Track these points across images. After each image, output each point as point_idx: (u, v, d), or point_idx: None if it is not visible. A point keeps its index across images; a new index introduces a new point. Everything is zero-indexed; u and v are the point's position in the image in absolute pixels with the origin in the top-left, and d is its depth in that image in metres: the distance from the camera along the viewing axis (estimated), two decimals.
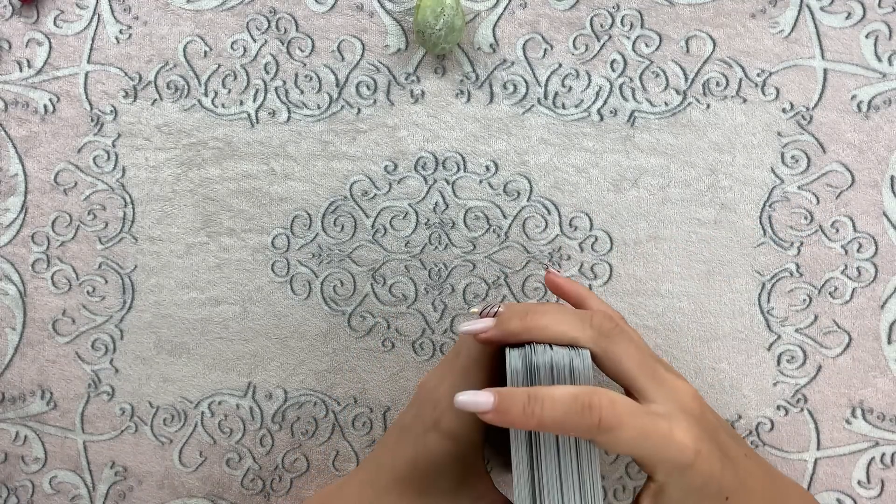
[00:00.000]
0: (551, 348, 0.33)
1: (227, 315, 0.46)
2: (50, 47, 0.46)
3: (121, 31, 0.46)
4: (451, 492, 0.36)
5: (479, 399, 0.30)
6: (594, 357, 0.33)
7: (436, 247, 0.46)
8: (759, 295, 0.45)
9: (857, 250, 0.45)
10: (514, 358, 0.32)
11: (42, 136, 0.46)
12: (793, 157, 0.45)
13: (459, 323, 0.35)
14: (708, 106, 0.45)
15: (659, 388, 0.32)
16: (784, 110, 0.45)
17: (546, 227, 0.45)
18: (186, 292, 0.46)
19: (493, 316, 0.35)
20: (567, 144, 0.45)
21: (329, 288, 0.46)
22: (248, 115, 0.46)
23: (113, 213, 0.46)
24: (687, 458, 0.30)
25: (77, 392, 0.47)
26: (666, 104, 0.45)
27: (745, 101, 0.45)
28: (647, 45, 0.45)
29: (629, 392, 0.33)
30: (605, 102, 0.45)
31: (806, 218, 0.45)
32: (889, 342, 0.45)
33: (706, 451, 0.31)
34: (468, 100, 0.46)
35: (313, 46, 0.46)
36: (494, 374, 0.36)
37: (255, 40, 0.46)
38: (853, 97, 0.45)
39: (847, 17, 0.44)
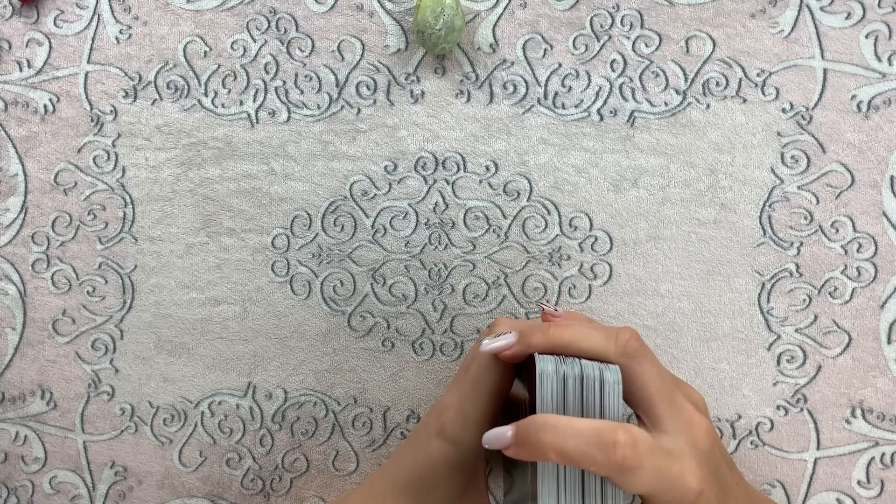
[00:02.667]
0: (580, 360, 0.33)
1: (227, 315, 0.46)
2: (50, 47, 0.46)
3: (121, 31, 0.46)
4: (447, 502, 0.36)
5: (502, 431, 0.31)
6: None
7: (436, 247, 0.46)
8: (759, 295, 0.45)
9: (857, 250, 0.45)
10: (544, 361, 0.32)
11: (42, 136, 0.46)
12: (793, 157, 0.45)
13: (481, 343, 0.35)
14: (708, 106, 0.45)
15: (675, 419, 0.32)
16: (784, 110, 0.45)
17: (546, 227, 0.45)
18: (186, 292, 0.46)
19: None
20: (567, 144, 0.45)
21: (329, 288, 0.46)
22: (248, 115, 0.46)
23: (113, 213, 0.46)
24: (690, 500, 0.31)
25: (77, 392, 0.47)
26: (666, 104, 0.45)
27: (744, 101, 0.45)
28: (646, 45, 0.45)
29: (640, 415, 0.33)
30: (604, 102, 0.45)
31: (806, 218, 0.45)
32: (889, 342, 0.45)
33: (707, 492, 0.32)
34: (468, 100, 0.46)
35: (313, 46, 0.46)
36: (505, 382, 0.36)
37: (255, 40, 0.46)
38: (853, 97, 0.45)
39: (847, 17, 0.44)
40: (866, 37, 0.44)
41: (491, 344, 0.35)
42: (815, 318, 0.45)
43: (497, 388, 0.36)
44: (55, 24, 0.46)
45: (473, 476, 0.36)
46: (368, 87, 0.46)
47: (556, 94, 0.45)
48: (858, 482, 0.45)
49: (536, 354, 0.33)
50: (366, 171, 0.46)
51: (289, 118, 0.46)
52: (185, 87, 0.46)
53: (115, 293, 0.47)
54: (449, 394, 0.37)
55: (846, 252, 0.45)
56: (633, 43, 0.45)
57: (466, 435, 0.35)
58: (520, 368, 0.36)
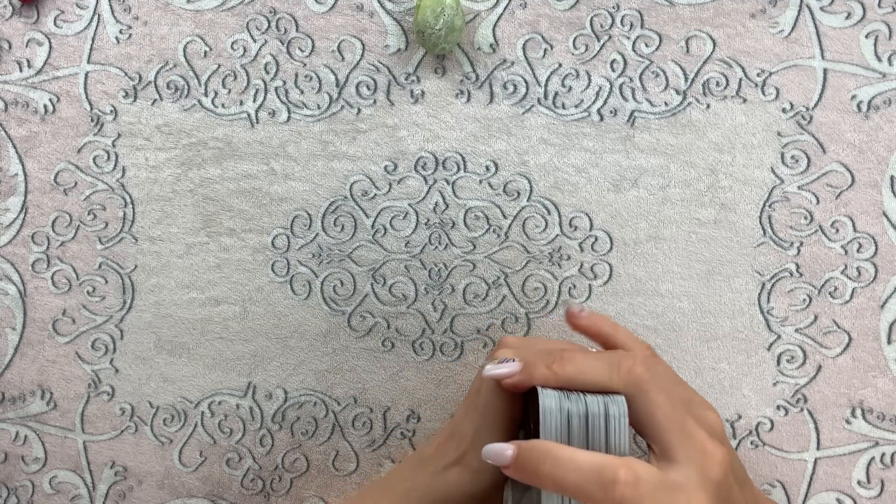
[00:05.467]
0: (584, 394, 0.32)
1: (227, 315, 0.46)
2: (50, 47, 0.46)
3: (121, 31, 0.46)
4: None
5: (502, 448, 0.31)
6: None
7: (436, 247, 0.46)
8: (759, 295, 0.45)
9: (857, 250, 0.45)
10: (547, 397, 0.32)
11: (42, 136, 0.46)
12: (793, 157, 0.45)
13: (484, 368, 0.35)
14: (708, 106, 0.45)
15: (685, 448, 0.31)
16: (784, 110, 0.45)
17: (546, 227, 0.45)
18: (186, 292, 0.46)
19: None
20: (567, 144, 0.45)
21: (329, 288, 0.46)
22: (248, 115, 0.46)
23: (113, 213, 0.46)
24: None
25: (77, 392, 0.47)
26: (666, 104, 0.45)
27: (745, 101, 0.45)
28: (647, 45, 0.45)
29: (650, 444, 0.32)
30: (605, 102, 0.45)
31: (806, 218, 0.45)
32: (889, 342, 0.45)
33: None
34: (468, 100, 0.46)
35: (313, 46, 0.46)
36: (515, 408, 0.36)
37: (255, 40, 0.46)
38: (853, 97, 0.45)
39: (847, 17, 0.44)
40: (866, 37, 0.44)
41: (494, 370, 0.34)
42: (815, 318, 0.45)
43: (510, 414, 0.35)
44: (55, 24, 0.46)
45: None
46: (368, 87, 0.46)
47: (557, 94, 0.45)
48: (858, 482, 0.45)
49: (540, 388, 0.32)
50: (366, 171, 0.46)
51: (289, 118, 0.46)
52: (185, 87, 0.46)
53: (115, 293, 0.47)
54: (465, 422, 0.36)
55: (846, 252, 0.45)
56: (633, 43, 0.45)
57: (488, 465, 0.35)
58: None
